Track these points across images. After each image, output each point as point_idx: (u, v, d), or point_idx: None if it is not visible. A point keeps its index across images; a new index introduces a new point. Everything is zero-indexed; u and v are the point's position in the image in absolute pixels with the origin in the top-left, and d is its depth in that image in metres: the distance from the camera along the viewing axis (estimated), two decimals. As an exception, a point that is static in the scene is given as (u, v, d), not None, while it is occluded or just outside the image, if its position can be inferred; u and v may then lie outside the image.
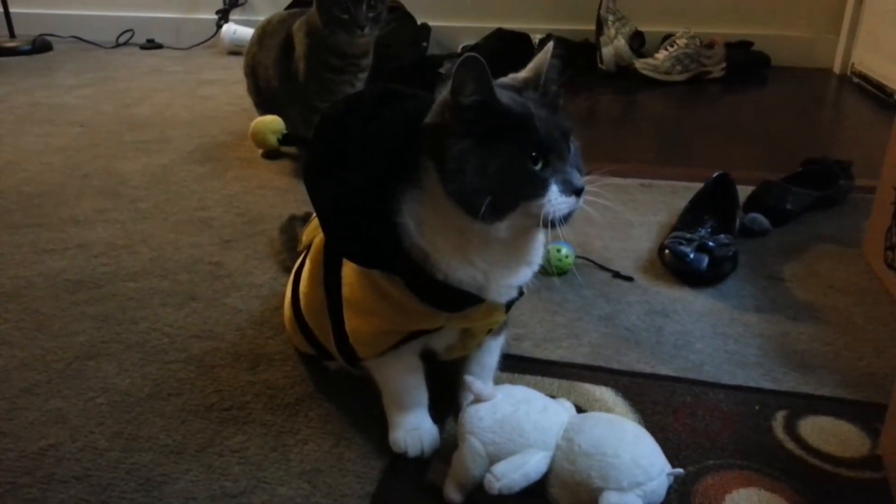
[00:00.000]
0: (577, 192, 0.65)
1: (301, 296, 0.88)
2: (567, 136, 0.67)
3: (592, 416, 0.73)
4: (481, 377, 0.85)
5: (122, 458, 0.81)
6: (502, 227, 0.66)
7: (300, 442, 0.83)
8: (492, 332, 0.82)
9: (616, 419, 0.72)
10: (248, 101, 2.16)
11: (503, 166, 0.63)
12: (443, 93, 0.67)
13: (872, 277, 1.22)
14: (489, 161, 0.63)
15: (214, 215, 1.46)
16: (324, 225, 0.72)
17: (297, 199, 1.54)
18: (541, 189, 0.64)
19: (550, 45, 0.70)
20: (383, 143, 0.67)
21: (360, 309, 0.76)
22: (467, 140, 0.64)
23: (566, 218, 0.65)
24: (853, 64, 2.74)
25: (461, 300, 0.70)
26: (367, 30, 1.62)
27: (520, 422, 0.70)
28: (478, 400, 0.73)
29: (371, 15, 1.61)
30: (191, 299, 1.14)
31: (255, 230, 1.39)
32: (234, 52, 3.07)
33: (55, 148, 1.89)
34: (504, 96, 0.65)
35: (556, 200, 0.64)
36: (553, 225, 0.64)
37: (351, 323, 0.77)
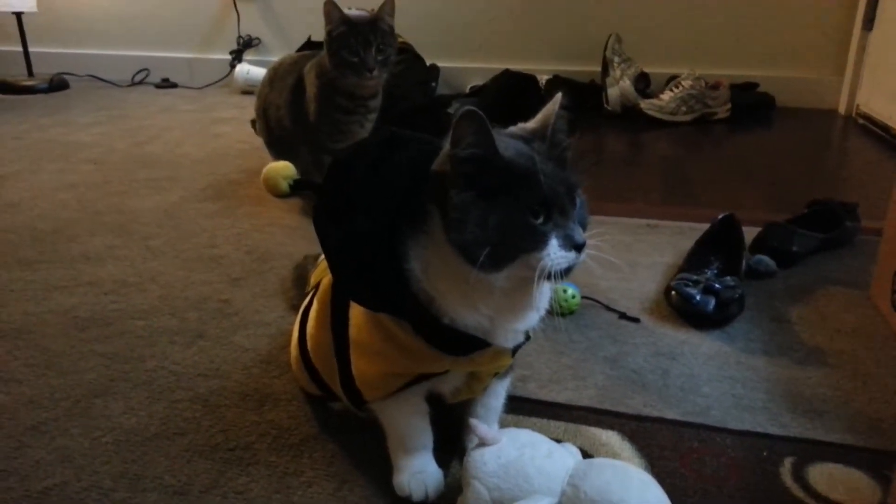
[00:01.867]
0: (578, 247, 0.66)
1: (308, 336, 0.89)
2: (573, 190, 0.68)
3: (598, 462, 0.73)
4: (486, 420, 0.85)
5: (126, 499, 0.81)
6: (501, 277, 0.66)
7: (304, 484, 0.83)
8: (498, 374, 0.82)
9: (622, 466, 0.71)
10: (259, 140, 2.19)
11: (503, 219, 0.64)
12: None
13: (880, 321, 1.22)
14: (489, 213, 0.64)
15: (224, 253, 1.47)
16: (332, 268, 0.73)
17: (305, 237, 1.55)
18: (541, 243, 0.65)
19: (559, 96, 0.71)
20: (390, 188, 0.69)
21: (366, 351, 0.76)
22: (468, 192, 0.65)
23: (566, 272, 0.66)
24: (858, 105, 2.76)
25: (468, 344, 0.70)
26: (375, 72, 1.65)
27: (525, 467, 0.69)
28: (482, 444, 0.73)
29: (380, 58, 1.65)
30: (199, 337, 1.15)
31: (264, 268, 1.41)
32: (246, 92, 3.13)
33: (68, 184, 1.92)
34: (510, 148, 0.66)
35: (555, 255, 0.65)
36: (551, 277, 0.65)
37: (357, 365, 0.78)
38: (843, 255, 1.50)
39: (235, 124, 2.62)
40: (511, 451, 0.71)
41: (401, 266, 0.68)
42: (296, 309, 1.21)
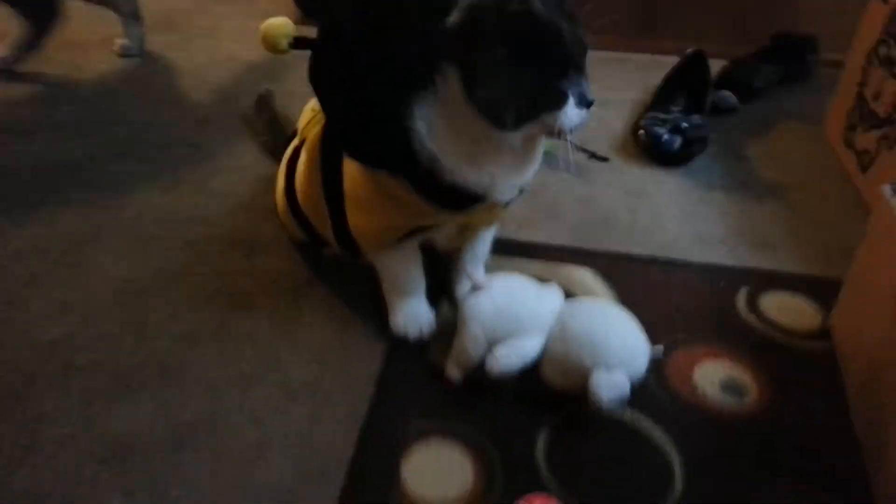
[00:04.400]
0: (589, 104, 0.68)
1: (298, 188, 0.90)
2: (586, 49, 0.68)
3: (583, 303, 0.80)
4: (473, 264, 0.90)
5: (137, 346, 0.85)
6: (517, 135, 0.68)
7: (306, 325, 0.89)
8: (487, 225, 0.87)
9: (604, 305, 0.79)
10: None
11: (532, 79, 0.64)
12: None
13: (831, 155, 1.29)
14: (520, 73, 0.64)
15: (184, 93, 1.43)
16: (334, 128, 0.73)
17: (267, 71, 1.51)
18: (561, 102, 0.66)
19: None
20: (396, 50, 0.67)
21: (362, 205, 0.79)
22: (501, 49, 0.64)
23: (575, 128, 0.68)
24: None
25: (465, 200, 0.73)
26: None
27: (517, 309, 0.76)
28: (477, 289, 0.79)
29: None
30: (178, 182, 1.15)
31: (230, 109, 1.37)
32: None
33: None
34: (536, 4, 0.65)
35: (571, 113, 0.66)
36: (561, 134, 0.67)
37: (354, 219, 0.80)
38: (801, 89, 1.54)
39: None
40: (503, 294, 0.77)
41: (404, 125, 0.68)
42: (270, 153, 1.21)
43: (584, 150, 1.27)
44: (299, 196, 0.90)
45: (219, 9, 1.84)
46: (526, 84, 0.64)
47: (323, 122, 0.83)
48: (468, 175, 0.70)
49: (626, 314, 0.78)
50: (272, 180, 1.11)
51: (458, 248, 0.90)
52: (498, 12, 0.63)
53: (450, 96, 0.67)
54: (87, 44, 1.62)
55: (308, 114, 0.90)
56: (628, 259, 1.02)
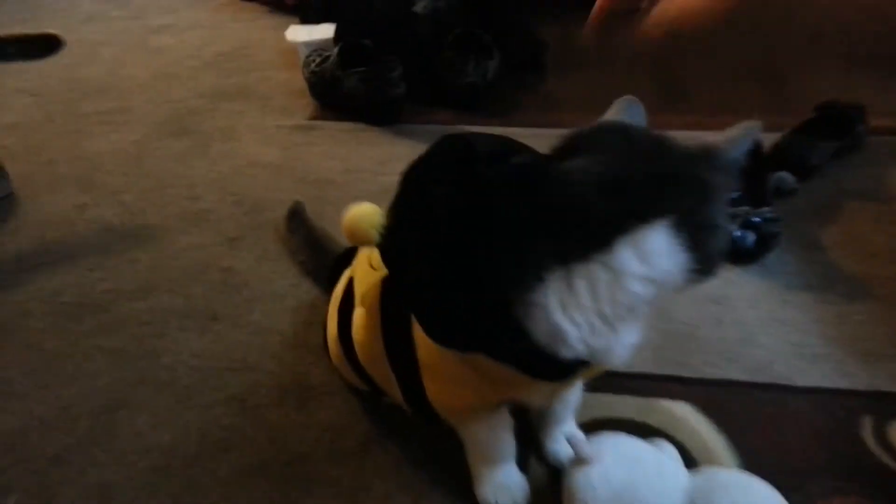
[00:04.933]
0: None
1: (356, 340, 0.79)
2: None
3: (715, 478, 0.68)
4: (564, 415, 0.79)
5: (188, 540, 0.74)
6: None
7: (377, 500, 0.77)
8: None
9: (741, 481, 0.67)
10: (209, 54, 1.99)
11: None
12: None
13: (913, 240, 1.19)
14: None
15: (209, 206, 1.33)
16: (416, 307, 0.61)
17: (293, 176, 1.42)
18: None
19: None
20: (531, 216, 0.55)
21: (443, 377, 0.68)
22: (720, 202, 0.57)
23: None
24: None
25: (577, 368, 0.62)
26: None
27: (638, 489, 0.65)
28: (582, 461, 0.68)
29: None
30: (211, 319, 1.04)
31: (259, 221, 1.28)
32: (179, -11, 2.81)
33: (7, 125, 1.70)
34: None
35: None
36: None
37: (434, 390, 0.69)
38: (856, 162, 1.45)
39: (174, 34, 2.34)
40: (619, 471, 0.66)
41: (523, 302, 0.58)
42: (309, 274, 1.12)
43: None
44: (358, 351, 0.79)
45: (232, 106, 1.77)
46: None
47: (381, 276, 0.72)
48: (596, 343, 0.59)
49: (770, 490, 0.66)
50: (315, 309, 1.01)
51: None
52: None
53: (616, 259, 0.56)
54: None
55: (363, 267, 0.78)
56: (727, 386, 0.91)
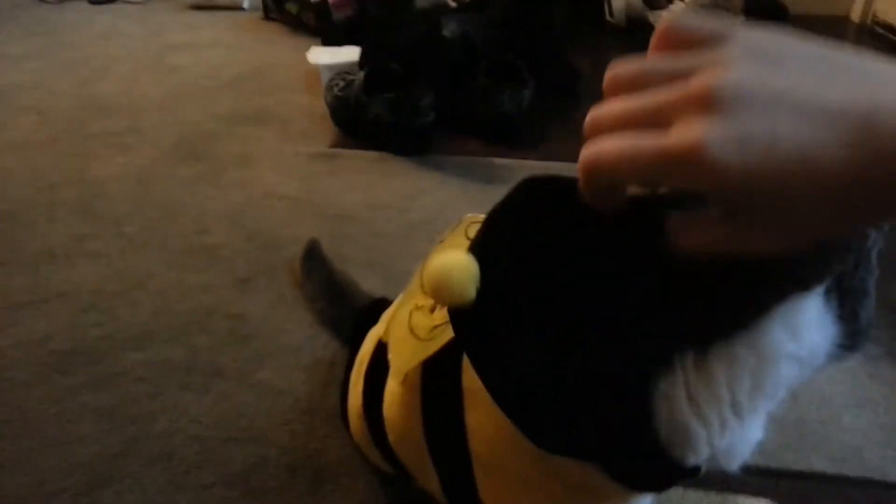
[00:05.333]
0: None
1: (387, 422, 0.66)
2: None
3: None
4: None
5: None
6: None
7: None
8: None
9: None
10: (227, 74, 1.90)
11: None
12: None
13: None
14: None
15: (219, 241, 1.22)
16: (519, 407, 0.48)
17: (313, 211, 1.30)
18: None
19: None
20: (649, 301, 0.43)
21: (506, 477, 0.55)
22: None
23: None
24: (874, 12, 2.55)
25: (687, 475, 0.49)
26: None
27: None
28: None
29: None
30: (215, 376, 0.92)
31: (273, 261, 1.16)
32: (199, 7, 2.74)
33: (11, 145, 1.60)
34: None
35: None
36: None
37: (490, 489, 0.57)
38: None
39: (191, 52, 2.26)
40: None
41: (637, 403, 0.44)
42: (329, 325, 1.00)
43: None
44: (389, 431, 0.67)
45: (249, 131, 1.66)
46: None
47: (427, 348, 0.60)
48: (720, 445, 0.46)
49: None
50: (334, 367, 0.89)
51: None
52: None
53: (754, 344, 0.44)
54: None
55: (401, 329, 0.65)
56: (813, 481, 0.78)
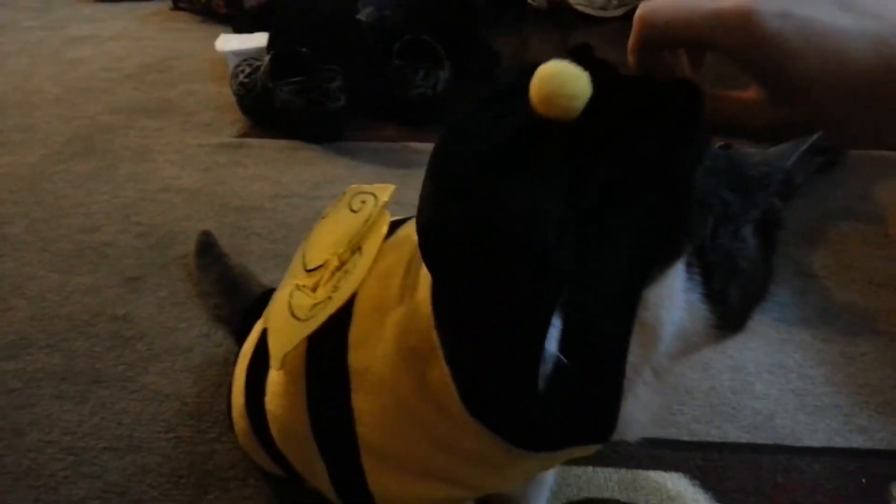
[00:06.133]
0: None
1: (270, 417, 0.61)
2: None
3: None
4: (539, 492, 0.63)
5: None
6: None
7: None
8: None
9: None
10: (130, 66, 1.80)
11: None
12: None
13: (912, 264, 1.06)
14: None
15: (109, 239, 1.13)
16: (473, 391, 0.42)
17: (214, 204, 1.23)
18: None
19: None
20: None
21: (400, 464, 0.50)
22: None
23: None
24: None
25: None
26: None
27: None
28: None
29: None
30: (95, 383, 0.84)
31: (167, 258, 1.08)
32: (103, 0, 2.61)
33: None
34: None
35: None
36: None
37: (381, 481, 0.51)
38: (838, 178, 1.33)
39: (94, 45, 2.14)
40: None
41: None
42: (221, 321, 0.93)
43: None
44: (273, 426, 0.61)
45: (150, 123, 1.57)
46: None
47: (307, 328, 0.54)
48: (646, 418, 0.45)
49: None
50: (228, 367, 0.82)
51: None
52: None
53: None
54: (-14, 182, 1.32)
55: (281, 313, 0.59)
56: (725, 451, 0.75)
